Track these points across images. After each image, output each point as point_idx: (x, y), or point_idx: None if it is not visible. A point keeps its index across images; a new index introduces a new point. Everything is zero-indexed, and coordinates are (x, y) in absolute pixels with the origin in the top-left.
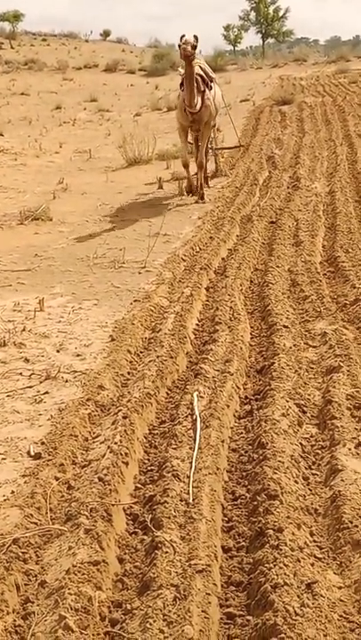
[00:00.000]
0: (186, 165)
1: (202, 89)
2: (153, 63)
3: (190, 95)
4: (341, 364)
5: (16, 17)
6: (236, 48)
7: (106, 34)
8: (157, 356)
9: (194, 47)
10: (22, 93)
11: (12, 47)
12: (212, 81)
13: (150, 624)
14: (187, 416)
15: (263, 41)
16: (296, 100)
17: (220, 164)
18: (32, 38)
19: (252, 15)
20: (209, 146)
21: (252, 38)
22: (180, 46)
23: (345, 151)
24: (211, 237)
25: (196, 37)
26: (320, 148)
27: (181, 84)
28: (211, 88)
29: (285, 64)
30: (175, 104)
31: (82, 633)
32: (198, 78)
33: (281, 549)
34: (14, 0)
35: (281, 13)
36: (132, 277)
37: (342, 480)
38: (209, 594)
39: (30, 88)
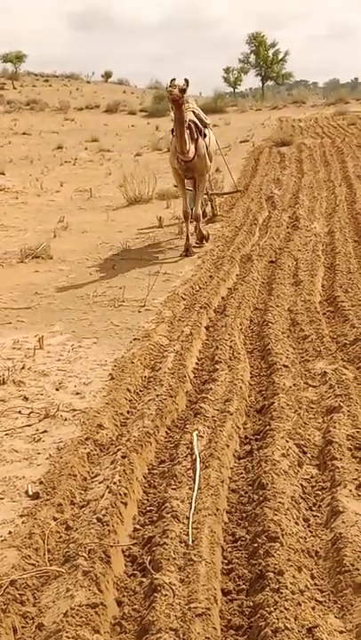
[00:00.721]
0: (186, 217)
1: (195, 137)
2: (153, 104)
3: (181, 141)
4: (342, 403)
5: (18, 58)
6: (236, 90)
7: (107, 75)
8: (157, 395)
9: (183, 90)
10: (24, 133)
11: (14, 87)
12: (205, 127)
13: None
14: (186, 456)
15: (263, 83)
16: (295, 142)
17: (215, 209)
18: (34, 79)
19: (252, 58)
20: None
21: (251, 80)
22: (166, 89)
23: (344, 192)
24: (210, 276)
25: (186, 81)
26: (319, 189)
27: (173, 130)
28: (205, 135)
29: (285, 106)
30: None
31: None
32: (192, 125)
33: (282, 592)
34: (17, 41)
35: (280, 56)
36: (132, 316)
37: (343, 522)
38: (209, 638)
39: (32, 128)
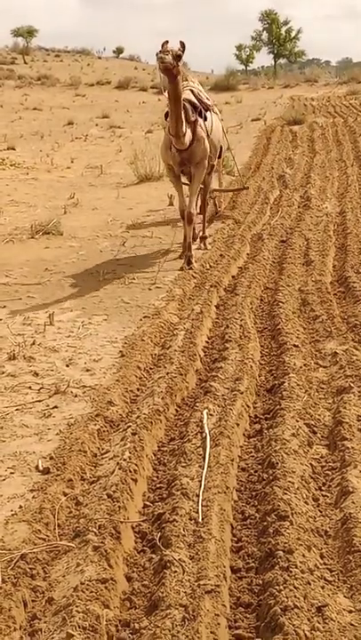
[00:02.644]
0: (190, 219)
1: (193, 118)
2: (164, 81)
3: (177, 123)
4: (352, 384)
5: (30, 32)
6: (248, 68)
7: (119, 51)
8: (167, 373)
9: (178, 57)
10: (35, 108)
11: (25, 62)
12: (207, 109)
13: None
14: (196, 434)
15: (275, 61)
16: (307, 121)
17: (219, 205)
18: (45, 54)
19: (265, 35)
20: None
21: (264, 58)
22: (156, 55)
23: (356, 171)
24: (221, 255)
25: (182, 45)
26: (331, 169)
27: (167, 115)
28: (206, 118)
29: (297, 84)
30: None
31: None
32: (187, 106)
33: (291, 571)
34: (28, 16)
35: (293, 34)
36: (143, 293)
37: (353, 502)
38: (218, 615)
39: (43, 103)
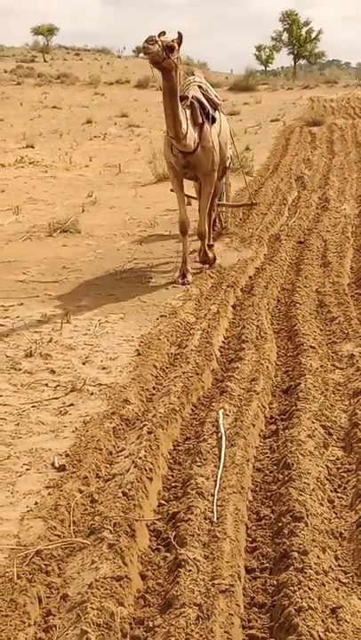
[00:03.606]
0: (184, 231)
1: (200, 121)
2: (184, 81)
3: (174, 122)
4: None
5: (50, 31)
6: (268, 68)
7: (138, 50)
8: (183, 372)
9: (169, 48)
10: (54, 107)
11: (45, 61)
12: (216, 109)
13: None
14: (212, 433)
15: (295, 62)
16: (326, 122)
17: (225, 220)
18: (65, 52)
19: (285, 36)
20: (216, 202)
21: (283, 59)
22: (142, 47)
23: None
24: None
25: (179, 36)
26: (350, 170)
27: None
28: (214, 120)
29: (316, 85)
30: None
31: None
32: (195, 104)
33: (306, 572)
34: (49, 14)
35: (313, 35)
36: (159, 292)
37: None
38: (232, 614)
39: (62, 102)
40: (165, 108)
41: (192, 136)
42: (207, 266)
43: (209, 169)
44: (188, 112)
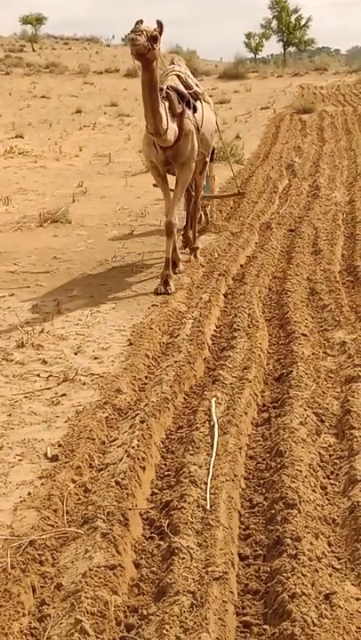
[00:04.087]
0: (170, 230)
1: (179, 110)
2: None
3: (155, 117)
4: (360, 373)
5: (38, 20)
6: (258, 56)
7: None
8: (175, 361)
9: (153, 39)
10: (43, 96)
11: (33, 50)
12: (197, 99)
13: (167, 630)
14: (204, 422)
15: (284, 49)
16: (317, 109)
17: (211, 215)
18: (54, 42)
19: (274, 23)
20: (201, 200)
21: (273, 46)
22: (128, 37)
23: None
24: (229, 244)
25: (159, 25)
26: (340, 157)
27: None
28: (195, 109)
29: (306, 73)
30: None
31: (98, 637)
32: (171, 94)
33: (299, 559)
34: (37, 3)
35: (303, 22)
36: (151, 282)
37: None
38: (226, 602)
39: (51, 91)
40: (145, 102)
41: (172, 130)
42: (194, 257)
43: (187, 158)
44: (166, 104)
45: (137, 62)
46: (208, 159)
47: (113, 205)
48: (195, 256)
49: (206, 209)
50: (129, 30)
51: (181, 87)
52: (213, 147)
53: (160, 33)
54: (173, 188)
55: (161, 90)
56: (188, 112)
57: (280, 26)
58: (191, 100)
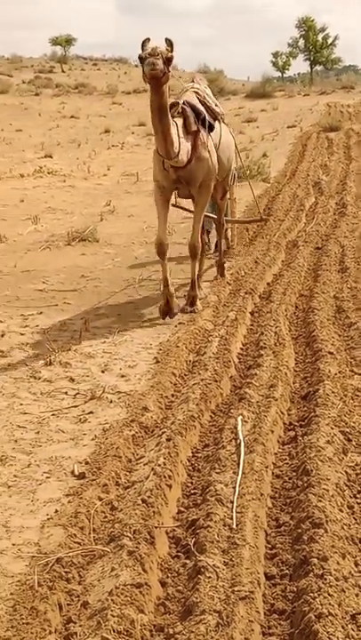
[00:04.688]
0: (162, 252)
1: (194, 128)
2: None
3: (166, 141)
4: None
5: (68, 41)
6: (285, 75)
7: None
8: (202, 380)
9: (168, 61)
10: (72, 116)
11: (63, 71)
12: (216, 118)
13: None
14: (230, 440)
15: (311, 68)
16: (343, 127)
17: (232, 239)
18: (83, 62)
19: (301, 42)
20: (223, 219)
21: (300, 65)
22: (141, 59)
23: None
24: (256, 262)
25: (170, 44)
26: None
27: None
28: (212, 128)
29: (333, 91)
30: None
31: None
32: (186, 110)
33: (325, 579)
34: (67, 24)
35: (330, 41)
36: (178, 300)
37: None
38: (252, 621)
39: (80, 111)
40: (155, 125)
41: (185, 149)
42: (220, 275)
43: (203, 181)
44: (179, 122)
45: (147, 82)
46: (227, 185)
47: (140, 224)
48: (221, 274)
49: (227, 233)
50: (142, 51)
51: (198, 104)
52: (234, 170)
53: (173, 53)
54: (193, 210)
55: (177, 104)
56: (204, 131)
57: (307, 45)
58: (208, 118)
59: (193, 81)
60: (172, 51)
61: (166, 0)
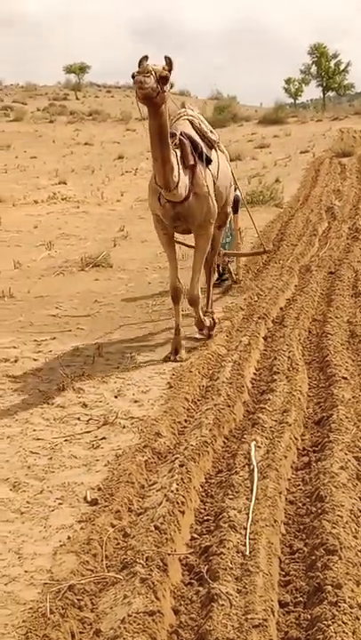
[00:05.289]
0: (176, 297)
1: (191, 162)
2: (214, 115)
3: (164, 169)
4: None
5: (82, 69)
6: (297, 101)
7: (169, 85)
8: (215, 405)
9: (163, 80)
10: (86, 143)
11: (77, 98)
12: (212, 147)
13: None
14: (244, 466)
15: (324, 94)
16: (356, 153)
17: (236, 272)
18: (97, 90)
19: (314, 69)
20: (222, 251)
21: (312, 91)
22: (133, 77)
23: None
24: (269, 287)
25: (168, 62)
26: None
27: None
28: (210, 161)
29: (346, 117)
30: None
31: None
32: (185, 142)
33: (340, 606)
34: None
35: (342, 67)
36: (191, 326)
37: None
38: None
39: (94, 138)
40: (154, 150)
41: (184, 183)
42: (205, 332)
43: (203, 220)
44: (177, 153)
45: (142, 106)
46: (230, 212)
47: (154, 249)
48: (210, 327)
49: (230, 266)
50: (135, 70)
51: (195, 135)
52: (238, 197)
53: (170, 71)
54: (195, 252)
55: (173, 135)
56: (201, 165)
57: (319, 71)
58: (205, 150)
59: (184, 106)
60: (170, 70)
61: (180, 26)
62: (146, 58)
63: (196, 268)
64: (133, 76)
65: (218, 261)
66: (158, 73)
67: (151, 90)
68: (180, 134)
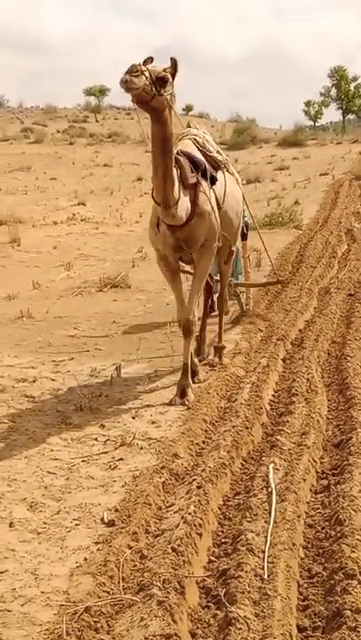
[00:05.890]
0: (187, 328)
1: (192, 180)
2: (233, 137)
3: (164, 184)
4: None
5: (102, 91)
6: (317, 123)
7: (188, 108)
8: (233, 426)
9: (160, 81)
10: (105, 165)
11: (96, 121)
12: (218, 168)
13: None
14: (262, 488)
15: (343, 117)
16: None
17: (246, 302)
18: (116, 112)
19: (333, 92)
20: (234, 282)
21: (332, 114)
22: (121, 80)
23: None
24: (288, 309)
25: (173, 63)
26: None
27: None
28: (214, 180)
29: None
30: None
31: None
32: (183, 160)
33: (359, 632)
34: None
35: None
36: (209, 347)
37: None
38: None
39: (113, 160)
40: (154, 159)
41: (184, 204)
42: (218, 359)
43: (204, 243)
44: (177, 169)
45: (140, 110)
46: (234, 245)
47: None
48: (219, 358)
49: (241, 297)
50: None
51: (196, 152)
52: (247, 223)
53: (173, 74)
54: (193, 278)
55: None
56: (204, 184)
57: (339, 94)
58: (209, 169)
59: (189, 126)
60: (174, 72)
61: (200, 51)
62: (151, 59)
63: (194, 291)
64: (121, 80)
65: (230, 291)
66: (155, 74)
67: (142, 91)
68: (177, 153)
